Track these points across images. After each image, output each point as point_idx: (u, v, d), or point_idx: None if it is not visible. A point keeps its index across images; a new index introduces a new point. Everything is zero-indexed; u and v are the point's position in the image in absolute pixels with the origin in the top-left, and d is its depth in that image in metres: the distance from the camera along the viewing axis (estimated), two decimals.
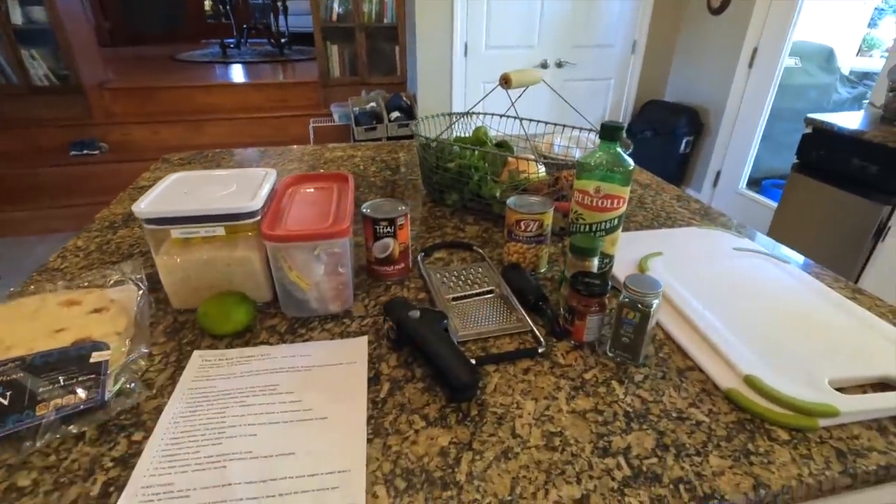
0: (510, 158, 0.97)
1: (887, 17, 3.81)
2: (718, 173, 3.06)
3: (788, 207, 2.09)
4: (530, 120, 1.09)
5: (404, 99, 3.13)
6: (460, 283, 0.75)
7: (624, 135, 0.67)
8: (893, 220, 1.76)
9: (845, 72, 3.42)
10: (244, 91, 3.56)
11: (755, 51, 2.73)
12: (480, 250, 0.84)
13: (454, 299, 0.71)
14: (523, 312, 0.67)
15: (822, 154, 1.97)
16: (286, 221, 0.66)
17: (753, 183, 2.99)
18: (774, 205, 2.73)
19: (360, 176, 1.19)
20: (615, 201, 0.65)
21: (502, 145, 1.06)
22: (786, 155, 2.99)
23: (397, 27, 3.30)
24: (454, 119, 1.11)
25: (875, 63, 3.56)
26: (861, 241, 1.84)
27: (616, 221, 0.67)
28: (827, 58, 3.26)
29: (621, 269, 0.76)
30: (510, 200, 0.76)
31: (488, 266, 0.79)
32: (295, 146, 1.39)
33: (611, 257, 0.71)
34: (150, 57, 4.81)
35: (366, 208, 0.74)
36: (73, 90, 3.04)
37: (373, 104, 3.07)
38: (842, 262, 1.90)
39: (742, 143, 2.88)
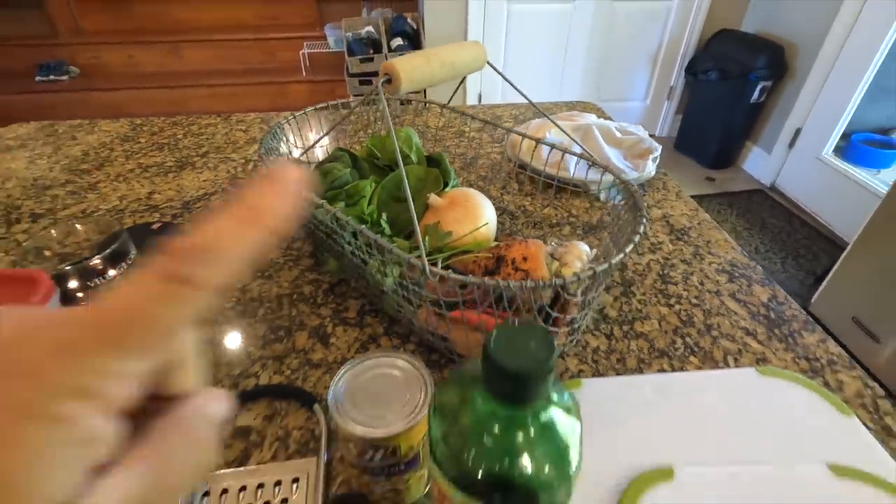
0: (433, 200, 0.55)
1: None
2: (798, 131, 2.41)
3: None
4: (542, 143, 0.64)
5: (409, 22, 2.56)
6: None
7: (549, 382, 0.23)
8: None
9: None
10: (228, 4, 3.04)
11: None
12: (322, 414, 0.44)
13: None
14: None
15: None
16: None
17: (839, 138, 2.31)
18: (868, 181, 2.12)
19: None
20: None
21: (435, 162, 0.63)
22: (889, 102, 2.27)
23: None
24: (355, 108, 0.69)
25: None
26: None
27: None
28: None
29: None
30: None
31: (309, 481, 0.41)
32: None
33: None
34: None
35: None
36: (29, 2, 2.63)
37: (370, 28, 2.53)
38: None
39: (838, 93, 2.20)
